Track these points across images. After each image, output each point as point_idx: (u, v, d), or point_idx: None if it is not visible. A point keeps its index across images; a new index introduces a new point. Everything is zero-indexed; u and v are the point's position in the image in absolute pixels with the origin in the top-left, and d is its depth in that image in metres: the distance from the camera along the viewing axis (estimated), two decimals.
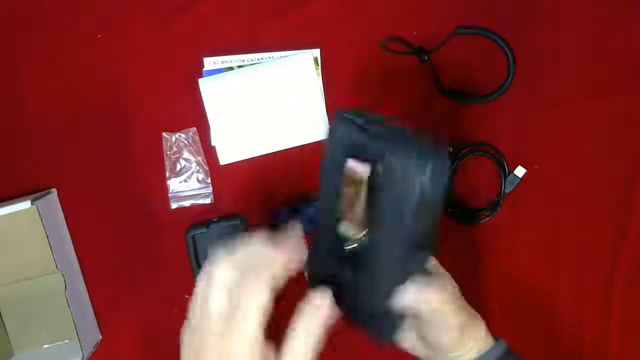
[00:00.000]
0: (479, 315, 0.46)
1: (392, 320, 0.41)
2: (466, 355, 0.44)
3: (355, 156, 0.38)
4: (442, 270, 0.47)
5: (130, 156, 0.64)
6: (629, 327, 0.63)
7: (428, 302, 0.41)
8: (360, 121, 0.37)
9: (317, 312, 0.35)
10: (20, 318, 0.64)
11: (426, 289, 0.41)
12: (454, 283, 0.46)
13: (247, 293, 0.34)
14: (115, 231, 0.64)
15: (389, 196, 0.36)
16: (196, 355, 0.35)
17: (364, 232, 0.40)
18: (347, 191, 0.39)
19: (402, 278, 0.39)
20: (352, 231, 0.41)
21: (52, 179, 0.64)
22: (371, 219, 0.38)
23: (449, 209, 0.63)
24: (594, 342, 0.63)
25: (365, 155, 0.37)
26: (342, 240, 0.41)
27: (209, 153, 0.64)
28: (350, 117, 0.38)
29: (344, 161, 0.38)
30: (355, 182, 0.38)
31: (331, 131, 0.39)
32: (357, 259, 0.39)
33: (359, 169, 0.38)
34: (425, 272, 0.43)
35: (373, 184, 0.37)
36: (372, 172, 0.37)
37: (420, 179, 0.34)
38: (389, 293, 0.39)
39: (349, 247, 0.39)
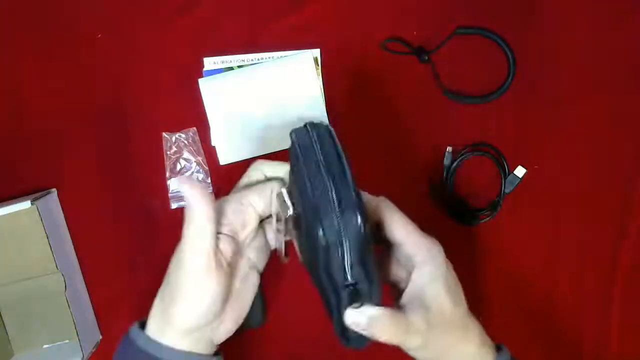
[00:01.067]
0: (474, 323, 0.44)
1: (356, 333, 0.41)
2: None
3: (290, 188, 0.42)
4: (430, 287, 0.42)
5: (130, 156, 0.64)
6: (629, 327, 0.63)
7: (381, 335, 0.39)
8: (303, 149, 0.40)
9: None
10: (20, 318, 0.64)
11: (375, 323, 0.39)
12: (441, 300, 0.42)
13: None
14: (115, 231, 0.64)
15: (304, 240, 0.40)
16: None
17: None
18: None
19: (344, 303, 0.40)
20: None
21: (52, 179, 0.64)
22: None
23: (449, 209, 0.63)
24: (594, 342, 0.63)
25: (291, 193, 0.41)
26: None
27: (209, 153, 0.64)
28: (298, 141, 0.41)
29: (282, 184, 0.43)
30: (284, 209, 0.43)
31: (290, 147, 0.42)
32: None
33: (286, 204, 0.43)
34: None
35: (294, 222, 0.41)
36: (292, 214, 0.42)
37: (318, 235, 0.37)
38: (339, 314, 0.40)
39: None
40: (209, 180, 0.64)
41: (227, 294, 0.43)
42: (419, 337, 0.40)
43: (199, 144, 0.64)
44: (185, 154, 0.63)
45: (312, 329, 0.60)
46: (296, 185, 0.40)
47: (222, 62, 0.63)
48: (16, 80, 0.64)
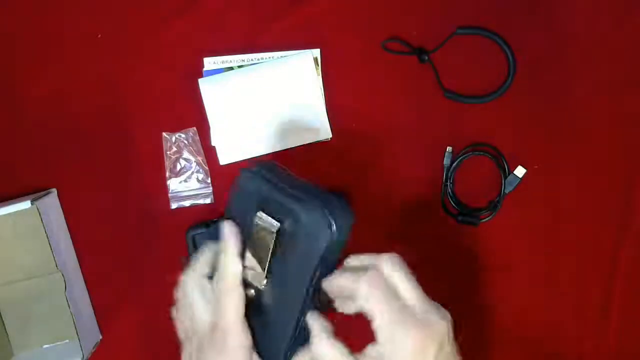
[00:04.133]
0: None
1: None
2: None
3: (263, 209, 0.39)
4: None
5: (130, 156, 0.64)
6: (629, 327, 0.63)
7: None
8: (269, 176, 0.40)
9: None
10: (20, 318, 0.64)
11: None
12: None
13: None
14: (115, 231, 0.64)
15: (293, 253, 0.39)
16: None
17: (264, 282, 0.40)
18: (256, 240, 0.40)
19: (297, 331, 0.40)
20: (252, 277, 0.41)
21: (52, 179, 0.64)
22: (273, 273, 0.40)
23: (449, 208, 0.63)
24: (594, 341, 0.63)
25: (273, 210, 0.39)
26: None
27: (209, 153, 0.64)
28: (261, 171, 0.40)
29: (255, 213, 0.40)
30: (265, 233, 0.39)
31: (240, 185, 0.41)
32: (256, 306, 0.40)
33: (269, 222, 0.39)
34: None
35: (280, 239, 0.39)
36: (280, 228, 0.39)
37: (326, 235, 0.37)
38: (286, 349, 0.40)
39: (248, 293, 0.40)
40: (209, 181, 0.64)
41: None
42: None
43: (199, 144, 0.64)
44: (185, 154, 0.63)
45: None
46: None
47: (222, 62, 0.63)
48: (16, 80, 0.64)
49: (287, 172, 0.41)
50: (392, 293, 0.37)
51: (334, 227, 0.37)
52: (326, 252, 0.38)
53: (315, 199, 0.38)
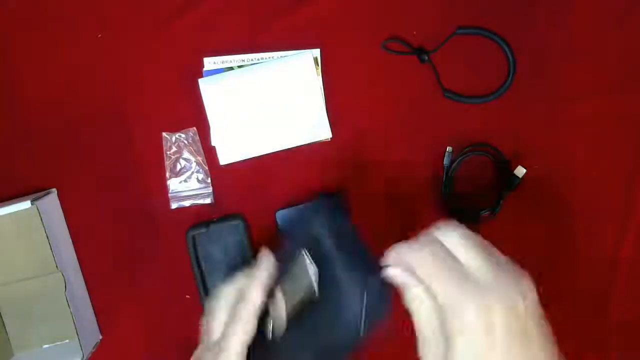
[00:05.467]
0: None
1: None
2: None
3: (310, 249, 0.38)
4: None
5: (130, 156, 0.64)
6: (629, 328, 0.63)
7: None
8: (337, 225, 0.38)
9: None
10: (20, 318, 0.64)
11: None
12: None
13: (233, 324, 0.39)
14: (115, 231, 0.64)
15: (324, 310, 0.38)
16: None
17: (283, 328, 0.39)
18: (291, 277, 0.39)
19: None
20: (275, 316, 0.40)
21: (52, 179, 0.64)
22: (295, 321, 0.39)
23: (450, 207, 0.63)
24: (594, 343, 0.63)
25: (317, 257, 0.38)
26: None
27: (209, 153, 0.64)
28: (329, 217, 0.39)
29: (301, 250, 0.39)
30: (302, 273, 0.38)
31: (305, 219, 0.40)
32: (267, 341, 0.40)
33: (310, 267, 0.38)
34: None
35: (314, 289, 0.38)
36: (319, 278, 0.38)
37: (355, 308, 0.36)
38: None
39: (265, 330, 0.40)
40: (209, 180, 0.64)
41: None
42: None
43: (199, 144, 0.64)
44: (185, 154, 0.63)
45: None
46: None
47: (222, 62, 0.63)
48: (16, 80, 0.64)
49: (352, 229, 0.39)
50: (448, 264, 0.35)
51: (363, 319, 0.36)
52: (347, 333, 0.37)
53: (361, 275, 0.37)
